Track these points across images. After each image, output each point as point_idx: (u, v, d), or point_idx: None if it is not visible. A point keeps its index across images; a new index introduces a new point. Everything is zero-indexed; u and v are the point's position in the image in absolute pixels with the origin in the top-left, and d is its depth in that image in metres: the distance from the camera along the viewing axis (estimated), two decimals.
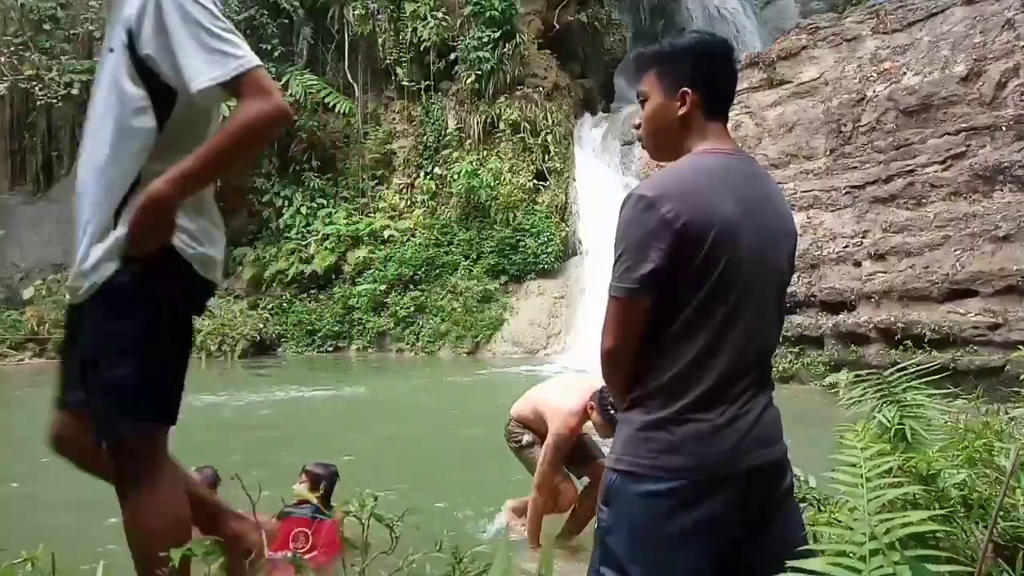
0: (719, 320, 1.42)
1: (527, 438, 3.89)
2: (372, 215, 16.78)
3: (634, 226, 1.40)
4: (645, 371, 1.46)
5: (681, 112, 1.52)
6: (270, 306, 16.26)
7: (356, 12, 17.00)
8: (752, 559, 1.42)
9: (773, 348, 1.59)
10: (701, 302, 1.42)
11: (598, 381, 3.35)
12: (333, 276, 16.31)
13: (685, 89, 1.50)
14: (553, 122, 16.08)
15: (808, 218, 11.02)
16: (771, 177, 1.73)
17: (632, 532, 1.40)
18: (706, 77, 1.52)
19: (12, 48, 16.83)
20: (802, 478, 2.24)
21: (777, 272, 1.56)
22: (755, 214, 1.47)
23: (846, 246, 10.30)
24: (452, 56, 16.57)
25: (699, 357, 1.42)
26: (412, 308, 15.24)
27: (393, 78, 17.48)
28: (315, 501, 3.35)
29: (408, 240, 16.07)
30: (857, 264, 10.09)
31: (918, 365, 2.12)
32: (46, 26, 17.43)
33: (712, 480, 1.39)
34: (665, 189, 1.41)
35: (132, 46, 1.65)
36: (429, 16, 16.45)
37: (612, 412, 3.42)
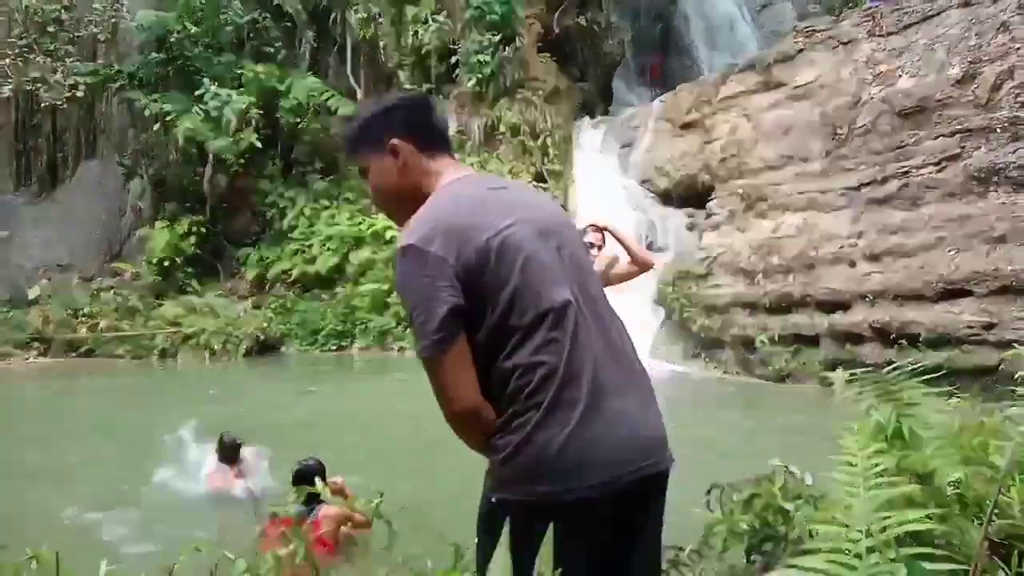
0: (545, 330, 1.36)
1: None
2: (375, 216, 16.90)
3: (413, 278, 1.35)
4: (496, 408, 1.39)
5: (400, 163, 1.49)
6: (273, 306, 16.38)
7: (358, 16, 17.13)
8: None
9: (619, 340, 1.51)
10: (514, 320, 1.36)
11: None
12: (336, 276, 16.43)
13: (392, 141, 1.48)
14: (553, 125, 16.19)
15: (804, 219, 11.13)
16: (527, 186, 1.72)
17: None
18: (406, 122, 1.50)
19: (17, 50, 16.95)
20: (798, 475, 2.28)
21: (580, 263, 1.51)
22: (528, 218, 1.44)
23: (842, 247, 10.40)
24: (453, 59, 16.69)
25: (529, 375, 1.35)
26: None
27: (395, 81, 17.61)
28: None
29: None
30: (853, 264, 10.20)
31: (913, 364, 2.13)
32: (50, 28, 17.56)
33: (559, 499, 1.34)
34: (426, 230, 1.36)
35: None
36: (430, 20, 16.57)
37: None
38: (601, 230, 3.77)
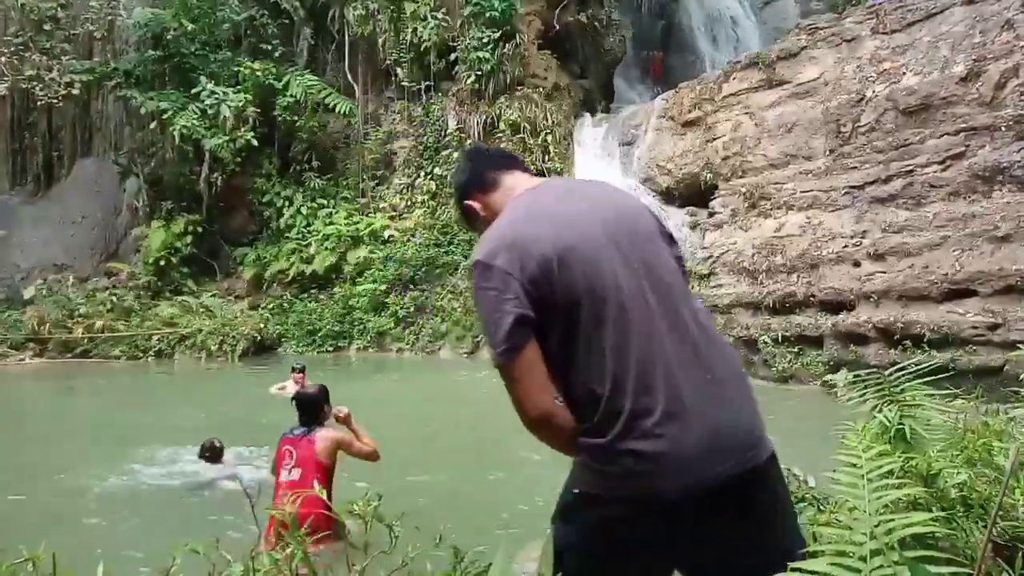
0: (613, 336, 1.41)
1: None
2: (372, 215, 16.79)
3: (481, 291, 1.43)
4: (578, 412, 1.45)
5: (481, 213, 1.68)
6: (270, 306, 16.27)
7: (356, 13, 17.02)
8: None
9: (710, 347, 1.50)
10: (585, 328, 1.41)
11: None
12: (333, 276, 16.32)
13: (466, 203, 1.69)
14: (553, 122, 16.08)
15: (807, 218, 11.03)
16: (606, 184, 1.74)
17: (586, 551, 1.45)
18: (465, 188, 1.71)
19: (12, 48, 16.84)
20: (802, 478, 2.24)
21: (651, 265, 1.51)
22: (594, 225, 1.48)
23: (845, 246, 10.31)
24: (452, 56, 16.58)
25: (616, 382, 1.40)
26: (412, 308, 15.25)
27: (393, 78, 17.50)
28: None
29: (408, 240, 16.08)
30: (856, 264, 10.10)
31: (918, 365, 2.11)
32: (46, 26, 17.44)
33: (655, 503, 1.38)
34: (491, 246, 1.46)
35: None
36: (429, 16, 16.45)
37: None
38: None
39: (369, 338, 15.38)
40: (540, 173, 16.04)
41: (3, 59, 16.67)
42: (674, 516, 1.39)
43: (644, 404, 1.39)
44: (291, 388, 8.21)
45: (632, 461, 1.38)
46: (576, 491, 1.47)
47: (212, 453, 5.54)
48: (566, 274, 1.41)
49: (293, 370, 8.88)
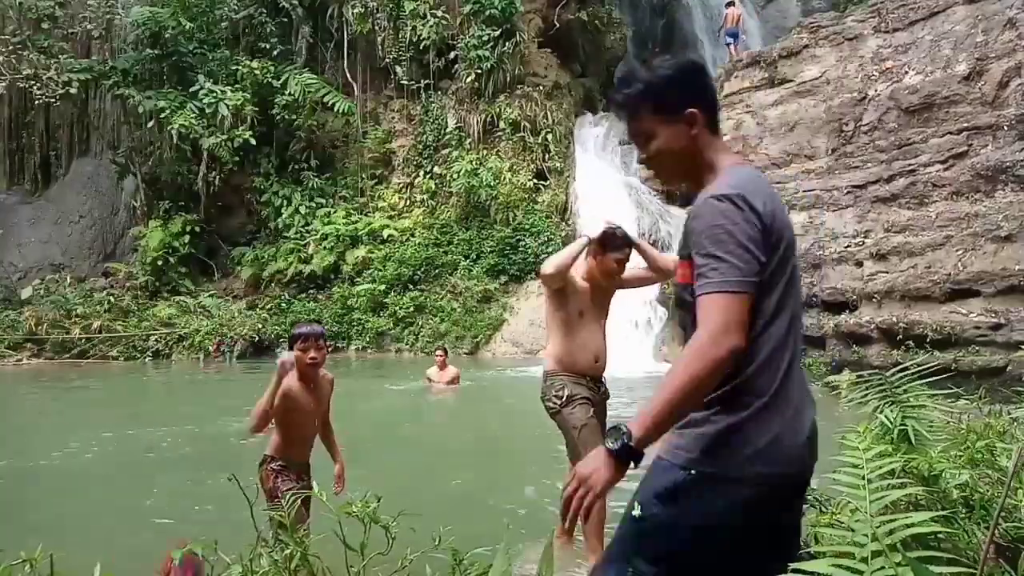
0: (787, 317, 1.46)
1: (567, 390, 3.29)
2: (371, 215, 16.73)
3: (733, 220, 1.40)
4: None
5: (694, 132, 1.54)
6: (268, 306, 16.20)
7: (355, 11, 16.95)
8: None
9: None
10: (777, 299, 1.45)
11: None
12: (332, 276, 16.26)
13: (691, 110, 1.53)
14: (553, 121, 16.03)
15: (810, 218, 10.98)
16: None
17: (701, 532, 1.41)
18: (702, 95, 1.56)
19: (10, 47, 16.77)
20: None
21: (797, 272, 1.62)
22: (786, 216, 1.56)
23: (848, 246, 10.26)
24: (452, 55, 16.53)
25: (773, 354, 1.44)
26: (411, 308, 15.19)
27: (392, 77, 17.44)
28: None
29: (407, 240, 16.02)
30: (859, 264, 10.05)
31: (920, 365, 2.10)
32: (44, 25, 17.37)
33: (787, 487, 1.43)
34: (750, 189, 1.44)
35: None
36: (429, 15, 16.39)
37: (625, 239, 3.37)
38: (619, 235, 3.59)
39: (368, 338, 15.32)
40: (540, 172, 16.01)
41: (1, 58, 16.60)
42: (789, 506, 1.45)
43: (787, 386, 1.44)
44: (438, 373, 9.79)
45: (768, 441, 1.40)
46: (695, 471, 1.42)
47: None
48: (787, 250, 1.46)
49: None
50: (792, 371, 1.46)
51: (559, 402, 3.30)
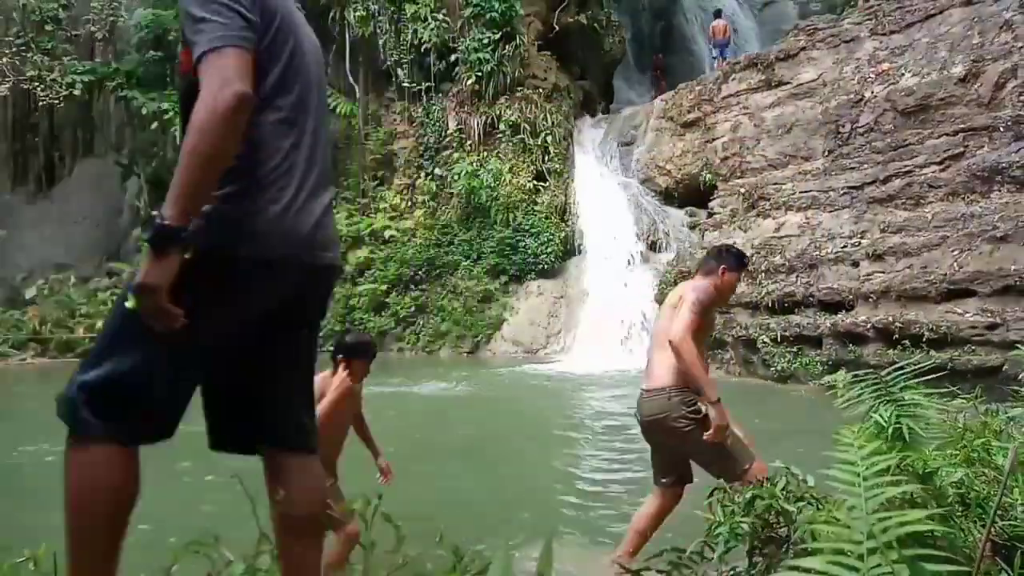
0: (293, 97, 1.51)
1: (699, 406, 3.05)
2: (373, 215, 16.83)
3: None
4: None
5: None
6: None
7: (357, 14, 17.07)
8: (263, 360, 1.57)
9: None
10: (279, 75, 1.50)
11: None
12: None
13: None
14: (553, 123, 16.12)
15: (806, 219, 11.05)
16: None
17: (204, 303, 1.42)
18: None
19: (14, 49, 16.89)
20: (800, 477, 2.24)
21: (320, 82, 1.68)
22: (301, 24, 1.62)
23: (844, 246, 10.32)
24: (452, 57, 16.62)
25: (275, 129, 1.50)
26: (413, 308, 15.28)
27: (394, 79, 17.54)
28: None
29: (409, 240, 16.12)
30: (855, 264, 10.12)
31: (916, 365, 2.10)
32: (48, 27, 17.49)
33: (291, 266, 1.50)
34: None
35: None
36: (429, 17, 16.51)
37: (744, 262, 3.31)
38: None
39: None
40: (540, 174, 16.09)
41: (5, 60, 16.72)
42: (297, 285, 1.62)
43: (290, 168, 1.58)
44: None
45: (268, 219, 1.53)
46: (205, 247, 1.43)
47: None
48: (280, 35, 1.54)
49: None
50: (299, 153, 1.51)
51: (697, 417, 3.09)
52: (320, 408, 3.03)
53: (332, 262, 1.66)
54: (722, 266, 3.29)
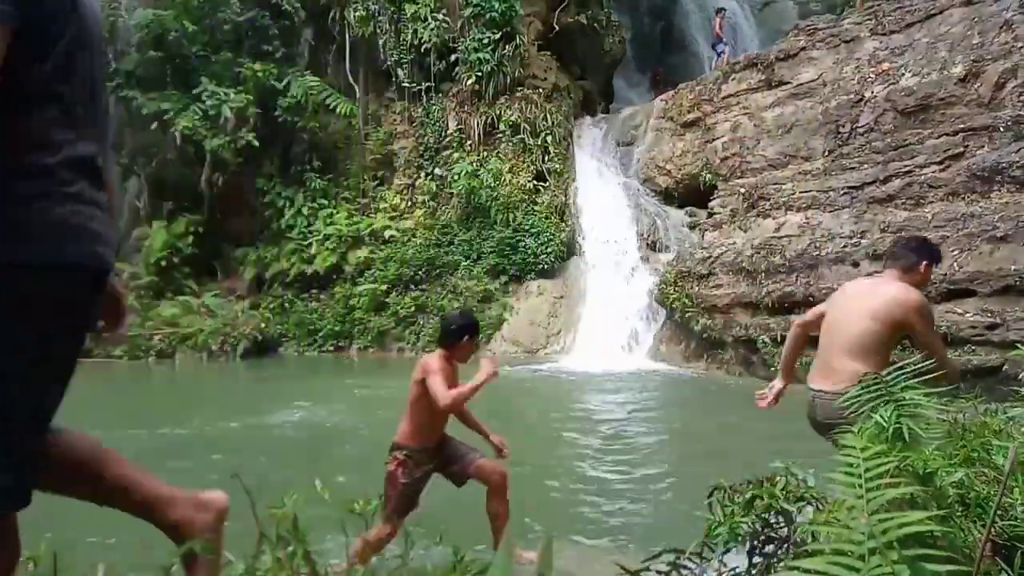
0: (61, 105, 1.35)
1: None
2: (373, 215, 16.84)
3: None
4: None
5: None
6: (271, 306, 16.30)
7: (357, 14, 17.08)
8: None
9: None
10: (52, 72, 1.33)
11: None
12: (334, 276, 16.36)
13: None
14: (553, 123, 16.12)
15: (806, 218, 11.05)
16: None
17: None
18: None
19: None
20: (800, 477, 2.26)
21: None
22: None
23: (844, 246, 10.33)
24: (452, 57, 16.63)
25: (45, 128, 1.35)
26: (413, 308, 15.29)
27: (394, 79, 17.54)
28: None
29: (409, 240, 16.12)
30: (855, 264, 10.13)
31: (916, 365, 2.09)
32: None
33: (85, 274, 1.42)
34: None
35: None
36: (429, 18, 16.51)
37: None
38: None
39: (370, 338, 15.42)
40: (540, 174, 16.10)
41: None
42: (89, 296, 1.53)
43: (73, 170, 1.42)
44: None
45: (53, 223, 1.37)
46: None
47: None
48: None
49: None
50: (76, 148, 1.37)
51: None
52: (460, 390, 3.18)
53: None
54: (923, 261, 3.27)
